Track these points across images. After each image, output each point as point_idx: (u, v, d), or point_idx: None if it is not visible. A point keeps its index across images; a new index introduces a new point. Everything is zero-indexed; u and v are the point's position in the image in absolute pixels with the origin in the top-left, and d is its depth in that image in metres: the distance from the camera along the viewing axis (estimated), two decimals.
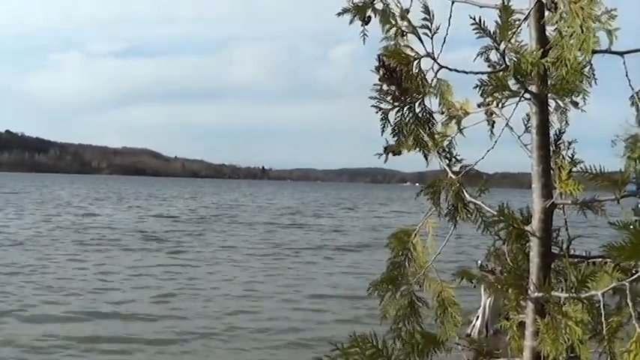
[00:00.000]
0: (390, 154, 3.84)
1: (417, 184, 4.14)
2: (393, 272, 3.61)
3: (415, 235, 3.65)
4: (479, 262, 17.73)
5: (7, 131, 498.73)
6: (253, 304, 23.64)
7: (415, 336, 3.52)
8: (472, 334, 19.71)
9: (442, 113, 3.72)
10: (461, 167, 3.71)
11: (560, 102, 3.64)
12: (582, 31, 2.50)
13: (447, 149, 3.79)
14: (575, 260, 3.38)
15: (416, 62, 2.84)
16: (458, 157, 3.79)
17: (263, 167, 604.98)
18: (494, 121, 3.82)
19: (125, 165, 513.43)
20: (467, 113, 3.79)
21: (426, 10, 2.96)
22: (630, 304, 2.66)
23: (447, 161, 3.77)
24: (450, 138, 3.81)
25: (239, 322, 20.78)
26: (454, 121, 3.81)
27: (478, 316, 19.79)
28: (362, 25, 3.50)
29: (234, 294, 25.56)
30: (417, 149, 3.44)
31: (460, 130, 3.81)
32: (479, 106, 3.79)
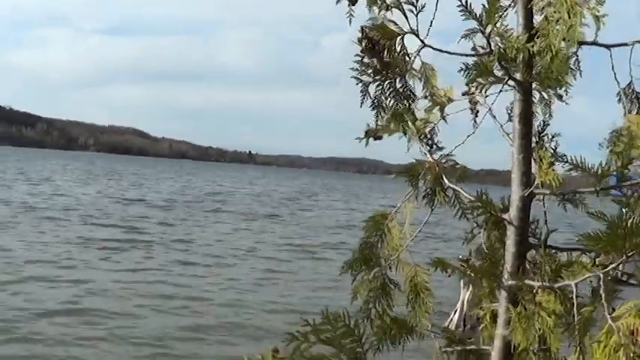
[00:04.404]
0: (371, 139, 3.82)
1: None
2: (365, 252, 3.59)
3: (392, 218, 3.63)
4: (460, 256, 17.77)
5: None
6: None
7: (384, 318, 3.51)
8: (449, 327, 19.79)
9: (426, 97, 3.70)
10: (441, 155, 3.70)
11: (544, 94, 3.62)
12: (569, 17, 2.47)
13: (428, 135, 3.77)
14: (552, 251, 3.37)
15: (399, 38, 2.80)
16: (439, 145, 3.78)
17: (250, 152, 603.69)
18: (477, 110, 3.80)
19: (112, 143, 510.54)
20: (450, 100, 3.76)
21: None
22: (603, 294, 2.65)
23: (429, 148, 3.75)
24: (432, 125, 3.78)
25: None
26: (437, 108, 3.79)
27: (456, 311, 19.87)
28: (349, 5, 3.43)
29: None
30: (397, 129, 3.40)
31: (443, 117, 3.78)
32: (463, 94, 3.76)
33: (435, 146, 3.78)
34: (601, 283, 2.69)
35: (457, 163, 3.67)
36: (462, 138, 3.73)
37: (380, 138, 3.80)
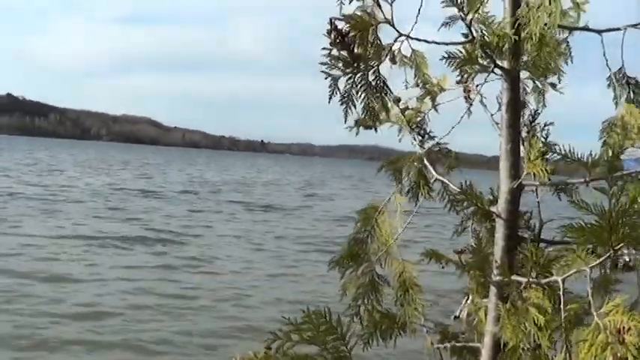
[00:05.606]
0: (362, 128, 3.75)
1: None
2: (354, 248, 3.52)
3: (381, 212, 3.55)
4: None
5: (8, 94, 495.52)
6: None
7: (374, 315, 3.43)
8: (461, 315, 19.66)
9: (417, 86, 3.62)
10: (433, 145, 3.62)
11: (537, 83, 3.54)
12: (550, 3, 2.37)
13: (420, 125, 3.69)
14: (545, 245, 3.27)
15: (372, 29, 2.69)
16: (431, 134, 3.70)
17: (262, 140, 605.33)
18: (472, 99, 3.72)
19: (125, 133, 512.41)
20: (442, 90, 3.68)
21: None
22: (589, 291, 2.55)
23: (420, 137, 3.67)
24: (423, 114, 3.71)
25: None
26: (429, 97, 3.71)
27: (467, 299, 19.77)
28: None
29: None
30: (374, 120, 3.29)
31: (434, 107, 3.71)
32: (458, 82, 3.68)
33: (427, 136, 3.71)
34: (588, 278, 2.59)
35: (449, 151, 3.60)
36: (462, 127, 3.66)
37: (371, 127, 3.72)
